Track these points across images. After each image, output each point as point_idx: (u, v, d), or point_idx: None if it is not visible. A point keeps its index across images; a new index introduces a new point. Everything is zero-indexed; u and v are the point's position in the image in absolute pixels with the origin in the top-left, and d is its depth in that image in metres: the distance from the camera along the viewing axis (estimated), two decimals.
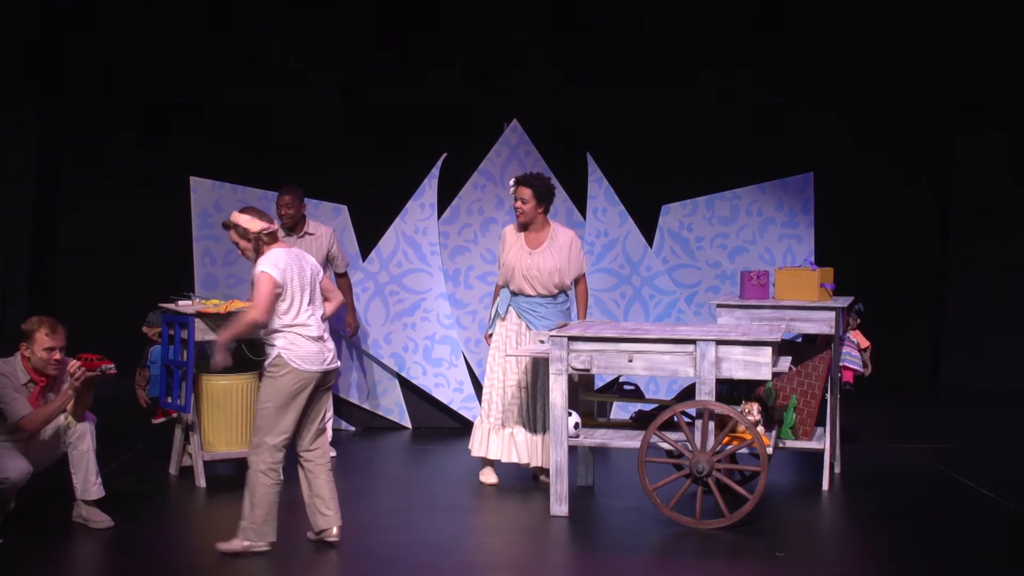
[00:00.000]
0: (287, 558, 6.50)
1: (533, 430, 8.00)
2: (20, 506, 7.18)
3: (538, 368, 7.94)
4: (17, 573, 6.20)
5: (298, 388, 6.40)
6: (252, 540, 6.39)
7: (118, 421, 9.80)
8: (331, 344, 6.59)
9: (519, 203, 8.02)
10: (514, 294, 8.07)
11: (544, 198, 8.05)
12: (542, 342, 7.78)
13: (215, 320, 8.16)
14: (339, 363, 6.70)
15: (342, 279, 9.31)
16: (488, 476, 8.15)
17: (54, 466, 7.15)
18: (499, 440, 8.04)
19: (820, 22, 11.61)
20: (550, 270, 7.99)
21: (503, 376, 8.05)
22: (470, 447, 8.16)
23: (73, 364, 6.93)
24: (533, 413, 8.00)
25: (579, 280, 8.20)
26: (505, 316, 8.10)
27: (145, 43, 11.59)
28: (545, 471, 8.04)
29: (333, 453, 8.92)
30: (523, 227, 8.09)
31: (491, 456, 8.06)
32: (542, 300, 8.03)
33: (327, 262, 9.15)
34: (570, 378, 7.43)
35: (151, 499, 7.59)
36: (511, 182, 8.14)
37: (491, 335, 8.19)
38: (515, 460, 8.02)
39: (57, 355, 6.98)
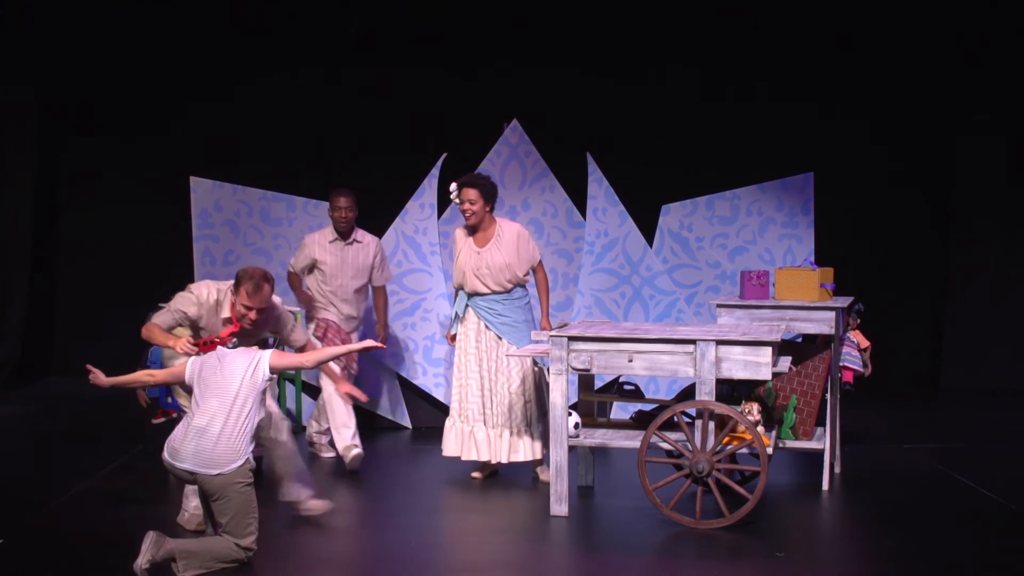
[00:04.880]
0: (287, 559, 6.50)
1: (493, 426, 8.11)
2: (21, 506, 7.19)
3: (499, 366, 8.04)
4: (17, 573, 6.20)
5: None
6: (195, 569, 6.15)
7: (118, 421, 9.84)
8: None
9: (467, 204, 8.10)
10: (470, 295, 8.17)
11: (490, 197, 8.15)
12: (542, 341, 7.79)
13: None
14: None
15: (379, 291, 9.12)
16: (476, 473, 8.31)
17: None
18: (460, 437, 8.17)
19: (821, 22, 11.61)
20: (500, 266, 8.08)
21: (465, 374, 8.17)
22: (443, 450, 8.27)
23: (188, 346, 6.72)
24: (493, 410, 8.09)
25: (536, 270, 8.29)
26: (464, 316, 8.20)
27: (145, 43, 11.60)
28: (539, 465, 8.15)
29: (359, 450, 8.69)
30: (472, 229, 8.17)
31: (448, 453, 8.22)
32: (497, 297, 8.12)
33: (368, 273, 8.94)
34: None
35: (151, 500, 7.59)
36: (453, 187, 8.21)
37: (454, 335, 8.31)
38: (474, 457, 8.14)
39: (253, 315, 6.76)
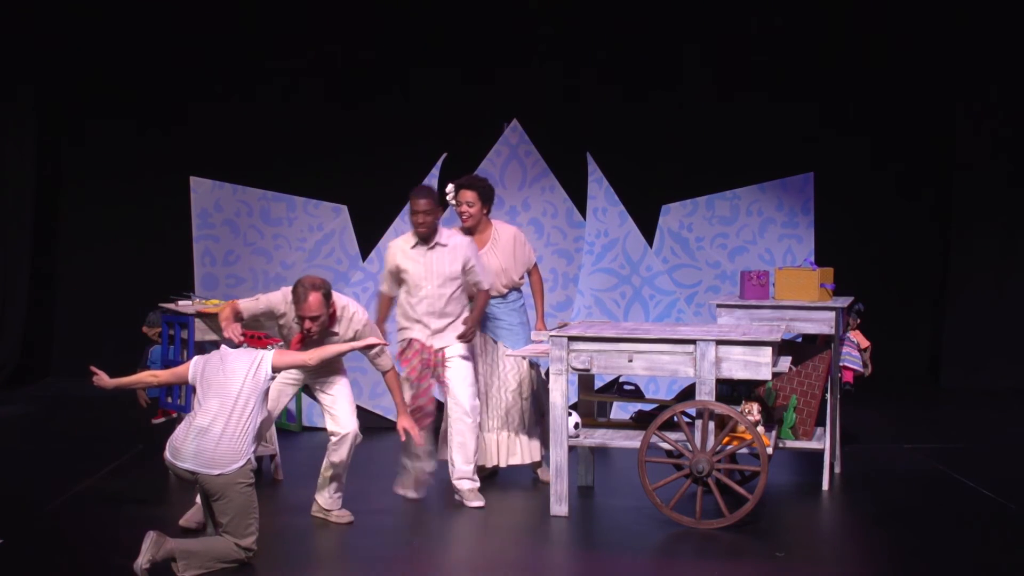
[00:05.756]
0: (287, 559, 6.50)
1: (489, 430, 8.01)
2: (21, 506, 7.19)
3: (495, 369, 7.97)
4: (17, 573, 6.20)
5: None
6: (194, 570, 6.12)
7: (118, 421, 9.83)
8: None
9: (465, 207, 7.90)
10: None
11: (488, 199, 7.98)
12: (542, 341, 7.79)
13: (215, 320, 8.15)
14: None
15: (481, 294, 7.75)
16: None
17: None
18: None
19: (821, 21, 11.61)
20: (496, 271, 7.95)
21: None
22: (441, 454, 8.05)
23: (238, 333, 6.68)
24: (489, 413, 7.98)
25: (532, 272, 8.17)
26: None
27: (145, 43, 11.61)
28: (539, 466, 8.11)
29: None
30: (469, 231, 7.96)
31: (445, 457, 7.93)
32: (493, 301, 7.97)
33: (459, 279, 7.65)
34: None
35: (151, 500, 7.59)
36: (449, 188, 7.99)
37: None
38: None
39: (308, 324, 6.75)
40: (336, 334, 6.93)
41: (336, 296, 6.90)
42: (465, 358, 7.65)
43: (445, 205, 7.92)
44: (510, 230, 8.10)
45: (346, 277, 9.89)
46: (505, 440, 8.03)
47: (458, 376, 7.63)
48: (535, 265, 8.20)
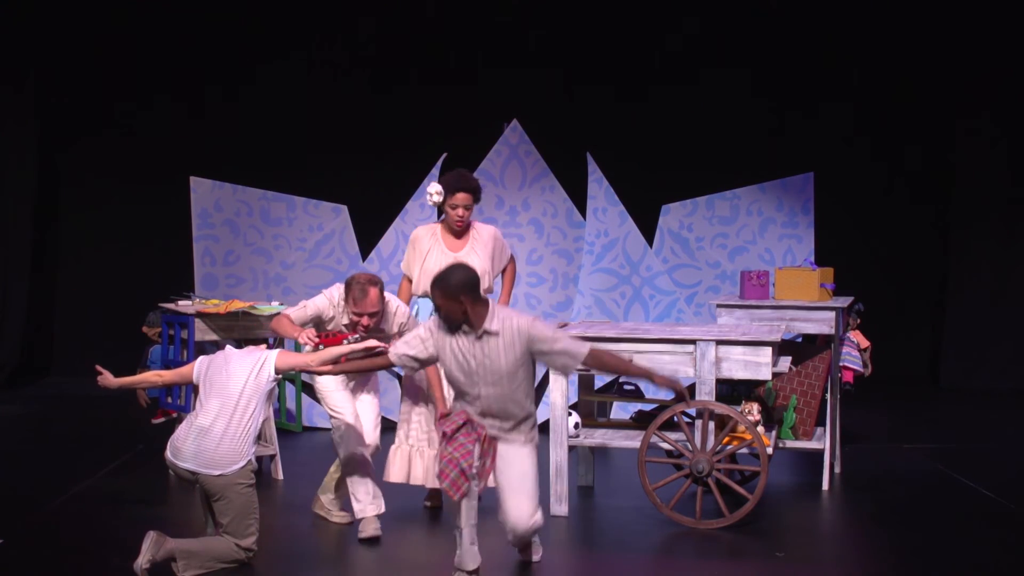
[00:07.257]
0: (287, 559, 6.50)
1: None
2: (21, 506, 7.19)
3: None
4: (17, 573, 6.20)
5: None
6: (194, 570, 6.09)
7: (118, 421, 9.83)
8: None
9: (461, 210, 7.28)
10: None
11: (479, 199, 7.43)
12: None
13: (215, 320, 8.16)
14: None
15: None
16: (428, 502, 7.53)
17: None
18: (423, 462, 7.41)
19: (821, 22, 11.61)
20: (480, 273, 6.75)
21: (415, 390, 7.41)
22: (387, 475, 7.38)
23: (309, 336, 6.56)
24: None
25: (507, 266, 7.56)
26: None
27: (145, 43, 11.61)
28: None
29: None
30: (457, 235, 7.38)
31: (413, 482, 7.39)
32: None
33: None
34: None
35: (151, 500, 7.59)
36: (437, 188, 7.34)
37: None
38: (418, 482, 7.40)
39: (366, 320, 6.72)
40: (383, 331, 6.91)
41: None
42: (524, 465, 6.20)
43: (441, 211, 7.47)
44: (490, 229, 7.52)
45: (346, 277, 9.86)
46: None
47: (513, 484, 6.21)
48: (511, 259, 7.63)
